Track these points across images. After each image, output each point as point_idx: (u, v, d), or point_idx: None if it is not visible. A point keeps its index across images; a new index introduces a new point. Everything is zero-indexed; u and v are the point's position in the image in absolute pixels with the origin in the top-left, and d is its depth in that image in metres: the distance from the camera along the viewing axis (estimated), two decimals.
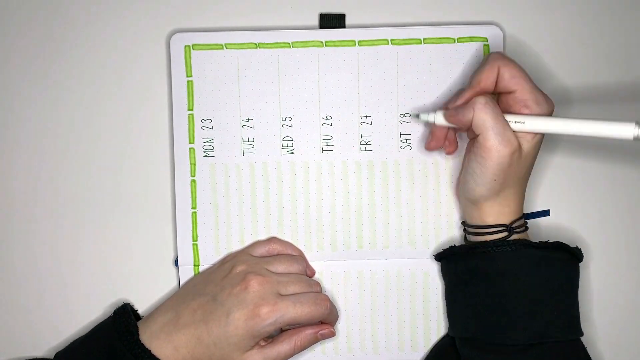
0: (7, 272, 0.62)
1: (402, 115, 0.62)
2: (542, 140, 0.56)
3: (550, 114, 0.55)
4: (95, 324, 0.59)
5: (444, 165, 0.62)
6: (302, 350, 0.58)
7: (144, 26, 0.62)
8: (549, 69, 0.63)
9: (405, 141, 0.62)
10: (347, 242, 0.62)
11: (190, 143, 0.62)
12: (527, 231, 0.58)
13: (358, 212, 0.62)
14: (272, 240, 0.61)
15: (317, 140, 0.62)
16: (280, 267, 0.59)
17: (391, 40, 0.61)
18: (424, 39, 0.62)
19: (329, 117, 0.62)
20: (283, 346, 0.56)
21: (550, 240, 0.57)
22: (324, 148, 0.62)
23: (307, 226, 0.62)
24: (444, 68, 0.62)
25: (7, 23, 0.62)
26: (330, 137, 0.62)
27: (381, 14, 0.63)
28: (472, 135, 0.58)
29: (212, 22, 0.62)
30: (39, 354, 0.62)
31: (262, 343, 0.56)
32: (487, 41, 0.62)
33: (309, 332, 0.57)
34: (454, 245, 0.59)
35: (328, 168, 0.62)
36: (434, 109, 0.58)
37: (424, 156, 0.62)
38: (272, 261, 0.59)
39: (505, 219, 0.57)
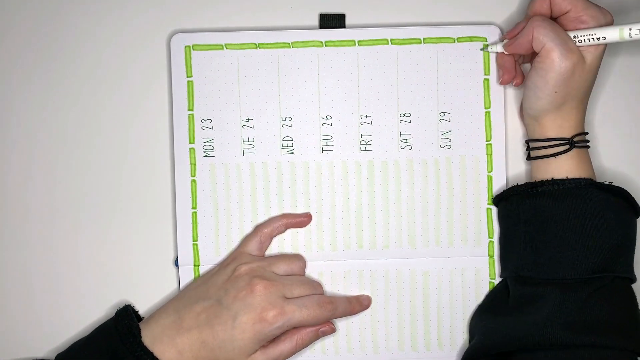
0: (6, 273, 0.62)
1: (402, 115, 0.62)
2: (604, 52, 0.57)
3: (609, 24, 0.55)
4: (96, 325, 0.59)
5: (444, 165, 0.62)
6: (303, 348, 0.58)
7: (144, 26, 0.62)
8: None
9: (405, 141, 0.62)
10: (347, 242, 0.62)
11: (190, 143, 0.62)
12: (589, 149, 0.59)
13: (358, 212, 0.62)
14: (258, 230, 0.61)
15: (317, 140, 0.62)
16: (282, 267, 0.59)
17: (391, 40, 0.62)
18: (424, 38, 0.62)
19: (329, 117, 0.62)
20: (285, 345, 0.57)
21: (614, 183, 0.57)
22: (324, 148, 0.62)
23: (307, 226, 0.62)
24: (443, 67, 0.62)
25: (7, 24, 0.62)
26: (330, 137, 0.62)
27: (381, 14, 0.63)
28: (532, 60, 0.58)
29: (212, 22, 0.62)
30: (40, 355, 0.62)
31: (265, 344, 0.57)
32: (486, 41, 0.62)
33: (309, 330, 0.58)
34: (517, 185, 0.59)
35: (328, 168, 0.62)
36: (495, 42, 0.61)
37: (423, 156, 0.62)
38: (274, 262, 0.59)
39: (567, 133, 0.57)
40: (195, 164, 0.62)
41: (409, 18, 0.63)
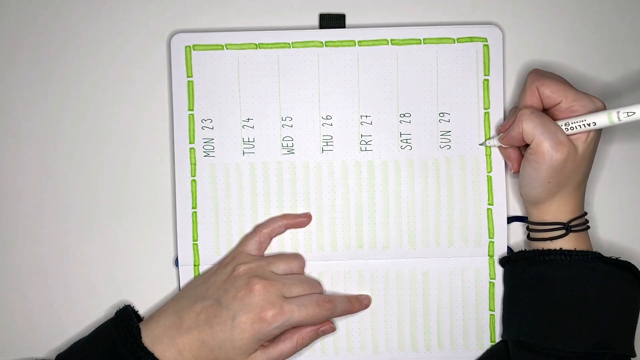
0: (8, 272, 0.62)
1: (402, 115, 0.62)
2: (599, 138, 0.57)
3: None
4: (97, 325, 0.59)
5: (444, 165, 0.62)
6: (303, 347, 0.58)
7: (144, 27, 0.62)
8: (549, 68, 0.63)
9: (405, 141, 0.62)
10: (347, 242, 0.62)
11: (190, 143, 0.62)
12: (589, 230, 0.59)
13: (358, 212, 0.62)
14: (258, 230, 0.61)
15: (317, 140, 0.62)
16: (281, 266, 0.59)
17: (391, 40, 0.62)
18: (424, 39, 0.62)
19: (329, 117, 0.62)
20: (285, 345, 0.57)
21: (621, 258, 0.57)
22: (324, 148, 0.62)
23: (307, 226, 0.62)
24: (443, 68, 0.62)
25: (9, 24, 0.62)
26: (330, 137, 0.62)
27: (381, 14, 0.63)
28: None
29: (213, 22, 0.62)
30: (40, 355, 0.62)
31: (265, 344, 0.57)
32: (486, 41, 0.62)
33: (309, 329, 0.58)
34: (524, 250, 0.59)
35: (328, 168, 0.62)
36: (493, 136, 0.61)
37: (423, 156, 0.62)
38: (273, 261, 0.59)
39: (564, 217, 0.57)
40: (195, 164, 0.62)
41: (409, 18, 0.63)
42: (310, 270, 0.62)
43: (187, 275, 0.61)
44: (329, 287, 0.62)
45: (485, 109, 0.62)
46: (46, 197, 0.62)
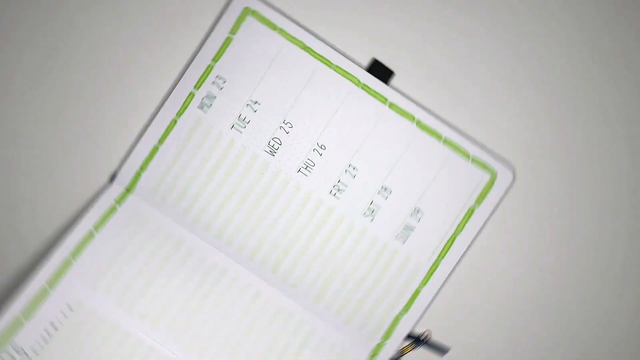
0: None
1: (383, 188, 0.62)
2: None
3: None
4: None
5: (389, 254, 0.62)
6: None
7: None
8: (554, 229, 0.63)
9: (371, 212, 0.62)
10: (265, 259, 0.62)
11: (195, 88, 0.61)
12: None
13: (292, 242, 0.62)
14: None
15: (300, 159, 0.62)
16: None
17: (417, 121, 0.61)
18: (445, 138, 0.61)
19: (322, 147, 0.62)
20: None
21: None
22: (301, 169, 0.62)
23: (241, 224, 0.62)
24: (445, 174, 0.61)
25: None
26: (313, 164, 0.62)
27: (422, 92, 0.62)
28: None
29: (282, 3, 0.62)
30: None
31: None
32: (495, 176, 0.61)
33: None
34: None
35: (293, 188, 0.62)
36: None
37: (377, 234, 0.62)
38: None
39: None
40: (186, 107, 0.62)
41: (441, 108, 0.62)
42: (217, 261, 0.61)
43: (113, 194, 0.61)
44: (222, 286, 0.61)
45: (457, 230, 0.62)
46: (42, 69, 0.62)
